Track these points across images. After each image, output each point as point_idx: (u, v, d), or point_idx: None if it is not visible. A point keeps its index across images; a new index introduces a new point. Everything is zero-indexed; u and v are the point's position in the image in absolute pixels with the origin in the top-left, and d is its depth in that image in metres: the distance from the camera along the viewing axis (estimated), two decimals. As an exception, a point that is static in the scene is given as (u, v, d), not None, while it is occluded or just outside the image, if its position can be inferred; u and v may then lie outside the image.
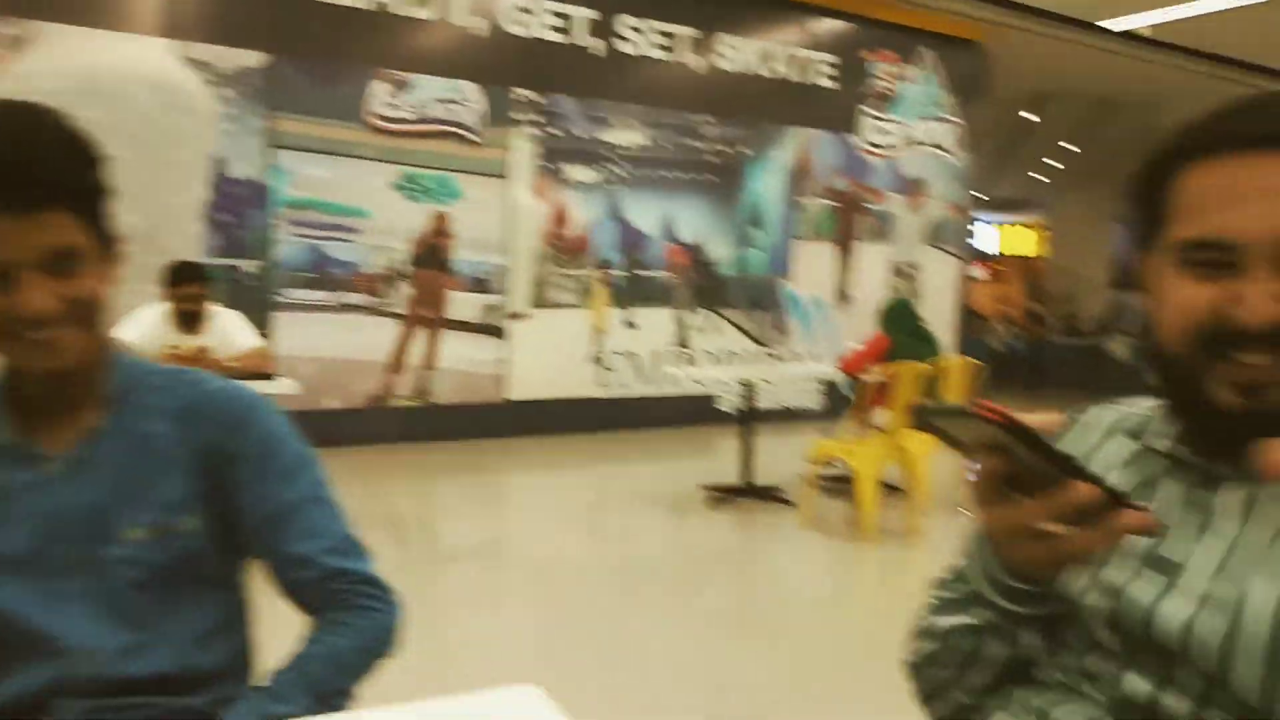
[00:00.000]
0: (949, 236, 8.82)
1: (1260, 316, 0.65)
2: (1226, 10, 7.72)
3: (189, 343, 3.76)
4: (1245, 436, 0.67)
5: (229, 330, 3.92)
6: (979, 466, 0.62)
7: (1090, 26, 8.35)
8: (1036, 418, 0.60)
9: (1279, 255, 0.66)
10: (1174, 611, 0.68)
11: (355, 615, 1.00)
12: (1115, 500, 0.59)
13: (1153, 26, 8.14)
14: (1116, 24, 8.33)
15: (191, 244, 5.70)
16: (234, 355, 3.74)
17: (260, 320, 5.94)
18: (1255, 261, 0.67)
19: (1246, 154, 0.68)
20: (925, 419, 0.53)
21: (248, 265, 5.95)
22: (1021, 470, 0.60)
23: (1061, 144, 13.63)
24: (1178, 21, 8.06)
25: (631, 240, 7.39)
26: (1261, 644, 0.63)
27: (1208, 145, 0.70)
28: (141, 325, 3.85)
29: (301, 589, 1.01)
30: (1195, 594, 0.67)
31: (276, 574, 1.02)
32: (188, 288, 3.77)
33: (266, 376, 3.73)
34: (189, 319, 3.82)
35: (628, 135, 7.27)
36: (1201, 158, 0.70)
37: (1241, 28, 8.14)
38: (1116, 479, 0.76)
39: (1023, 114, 11.71)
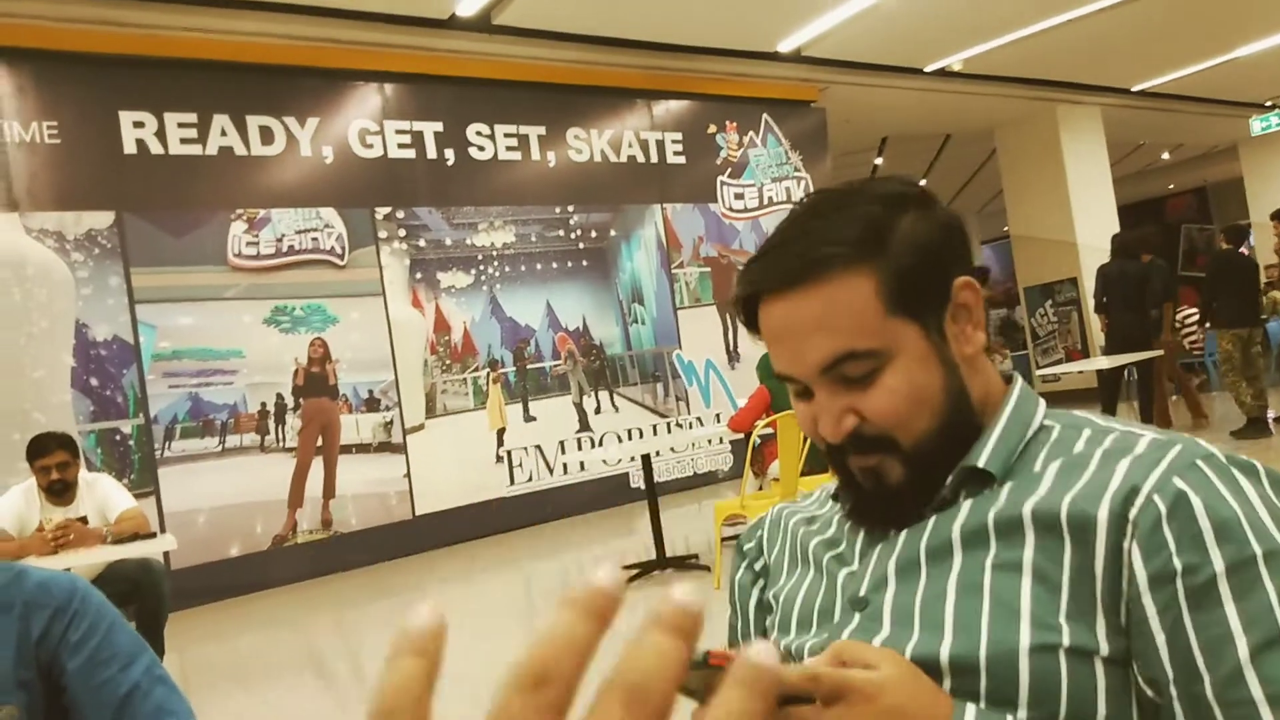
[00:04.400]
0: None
1: (831, 436, 0.76)
2: (1024, 37, 8.38)
3: (62, 515, 3.65)
4: (885, 509, 0.78)
5: (104, 496, 3.81)
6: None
7: (910, 71, 8.95)
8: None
9: (825, 378, 0.75)
10: (880, 642, 0.74)
11: None
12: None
13: (963, 61, 8.77)
14: (932, 65, 8.94)
15: (64, 414, 5.54)
16: (110, 521, 3.64)
17: (147, 478, 5.79)
18: (813, 385, 0.77)
19: (769, 298, 0.77)
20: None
21: (125, 425, 5.80)
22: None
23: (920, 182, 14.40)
24: (983, 54, 8.71)
25: (517, 335, 7.47)
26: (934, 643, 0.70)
27: (751, 293, 0.79)
28: (11, 506, 3.72)
29: None
30: (885, 619, 0.74)
31: None
32: (49, 458, 3.67)
33: (148, 536, 3.64)
34: (58, 490, 3.71)
35: (495, 236, 7.42)
36: (757, 302, 0.79)
37: (1038, 51, 8.85)
38: (834, 533, 0.85)
39: (875, 160, 12.37)
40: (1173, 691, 0.63)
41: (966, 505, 0.74)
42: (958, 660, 0.68)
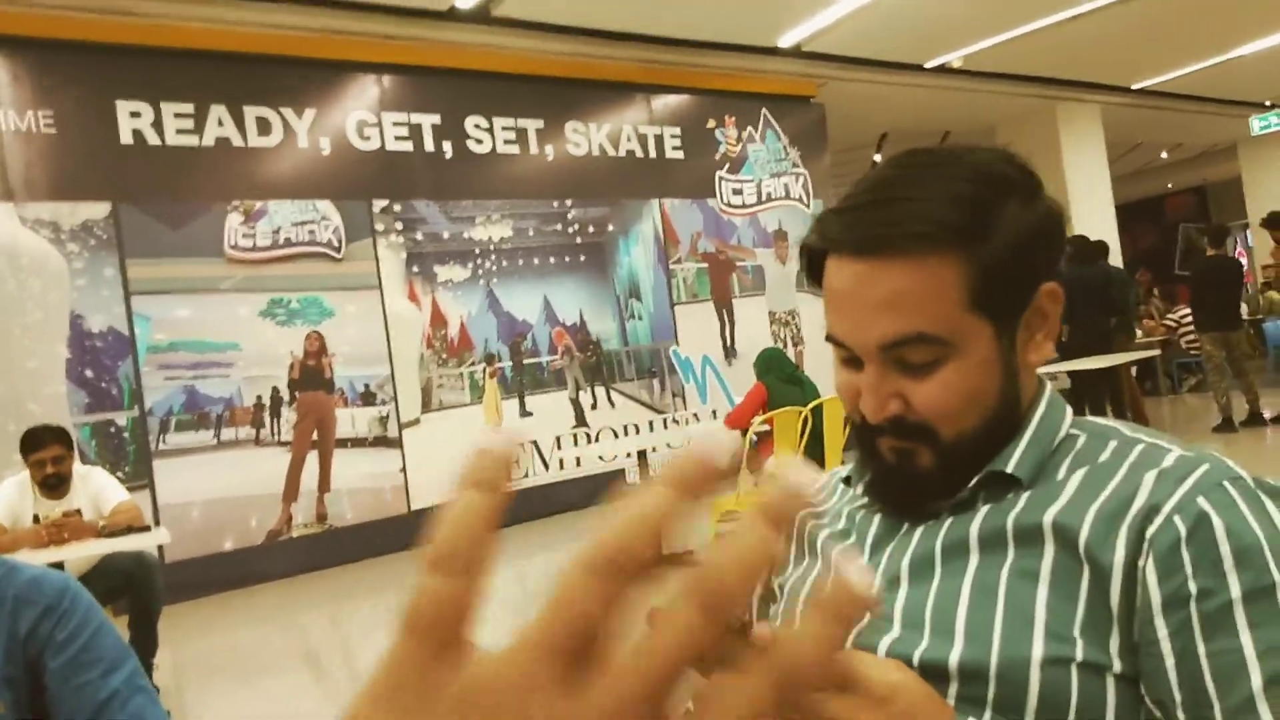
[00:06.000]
0: (819, 280, 9.17)
1: (873, 416, 0.72)
2: (1025, 34, 8.36)
3: (56, 509, 3.63)
4: (905, 490, 0.75)
5: (98, 489, 3.79)
6: None
7: (910, 67, 8.93)
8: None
9: (882, 356, 0.71)
10: (889, 643, 0.72)
11: None
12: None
13: (964, 58, 8.75)
14: (933, 62, 8.92)
15: (58, 406, 5.51)
16: (104, 514, 3.63)
17: (141, 471, 5.76)
18: (867, 359, 0.72)
19: (843, 257, 0.72)
20: None
21: (120, 418, 5.77)
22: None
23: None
24: (984, 51, 8.69)
25: (514, 330, 7.45)
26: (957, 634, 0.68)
27: (823, 245, 0.74)
28: (4, 498, 3.70)
29: None
30: (895, 620, 0.73)
31: None
32: (44, 452, 3.65)
33: (142, 529, 3.62)
34: (53, 484, 3.69)
35: (493, 230, 7.39)
36: (828, 255, 0.74)
37: (1038, 48, 8.83)
38: (844, 525, 0.82)
39: (874, 157, 12.34)
40: (1179, 716, 0.62)
41: (985, 508, 0.73)
42: (967, 666, 0.67)
